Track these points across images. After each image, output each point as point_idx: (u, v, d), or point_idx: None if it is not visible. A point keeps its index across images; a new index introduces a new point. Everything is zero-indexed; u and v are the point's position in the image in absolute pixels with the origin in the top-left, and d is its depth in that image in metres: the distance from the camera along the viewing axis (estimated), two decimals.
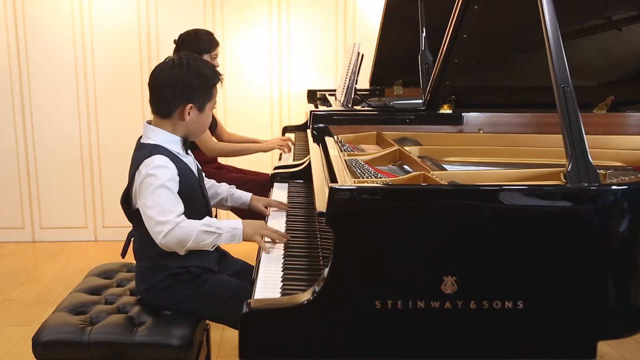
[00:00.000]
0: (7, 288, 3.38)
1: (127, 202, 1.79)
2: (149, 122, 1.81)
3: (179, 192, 1.71)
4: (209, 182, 2.03)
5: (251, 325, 1.20)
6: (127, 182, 1.78)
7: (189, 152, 1.86)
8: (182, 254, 1.70)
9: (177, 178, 1.71)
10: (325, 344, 1.22)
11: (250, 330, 1.21)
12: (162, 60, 1.81)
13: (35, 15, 3.97)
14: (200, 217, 1.72)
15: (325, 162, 1.71)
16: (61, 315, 1.78)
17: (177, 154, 1.78)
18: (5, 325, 2.92)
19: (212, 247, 1.72)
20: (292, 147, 3.07)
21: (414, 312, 1.19)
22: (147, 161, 1.70)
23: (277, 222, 1.86)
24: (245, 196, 2.06)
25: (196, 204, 1.80)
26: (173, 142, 1.78)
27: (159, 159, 1.70)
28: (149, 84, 1.79)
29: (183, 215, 1.67)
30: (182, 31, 2.97)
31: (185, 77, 1.75)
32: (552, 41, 1.37)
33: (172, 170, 1.70)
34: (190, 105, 1.76)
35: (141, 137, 1.82)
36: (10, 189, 4.15)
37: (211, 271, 1.81)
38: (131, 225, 1.86)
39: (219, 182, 2.08)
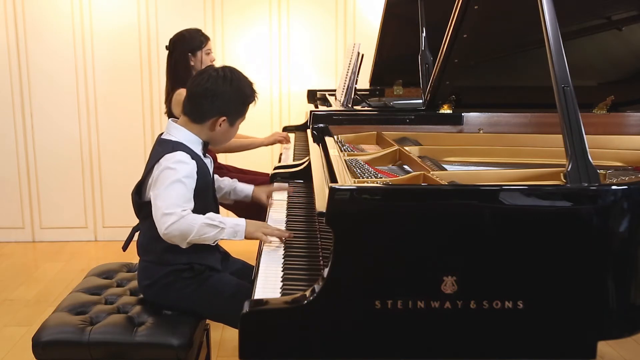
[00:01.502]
0: (7, 288, 3.38)
1: (139, 193, 1.82)
2: (174, 120, 1.85)
3: (194, 190, 1.74)
4: (218, 181, 2.07)
5: (251, 325, 1.20)
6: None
7: (207, 154, 1.89)
8: (184, 247, 1.71)
9: (195, 176, 1.74)
10: (325, 344, 1.22)
11: (250, 330, 1.21)
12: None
13: (35, 15, 3.97)
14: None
15: (325, 162, 1.71)
16: (61, 315, 1.78)
17: (197, 154, 1.81)
18: (5, 325, 2.92)
19: (214, 242, 1.72)
20: (292, 145, 3.10)
21: (414, 312, 1.19)
22: (168, 156, 1.73)
23: (278, 222, 1.86)
24: (248, 189, 2.11)
25: (207, 203, 1.82)
26: (195, 143, 1.82)
27: (180, 155, 1.74)
28: (189, 88, 1.83)
29: (189, 211, 1.69)
30: None
31: (226, 91, 1.80)
32: (552, 41, 1.37)
33: (191, 167, 1.74)
34: (224, 118, 1.81)
35: (162, 133, 1.85)
36: (10, 189, 4.15)
37: (214, 269, 1.81)
38: (133, 223, 1.87)
39: None
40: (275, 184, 2.08)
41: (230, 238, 1.71)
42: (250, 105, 1.87)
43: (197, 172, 1.76)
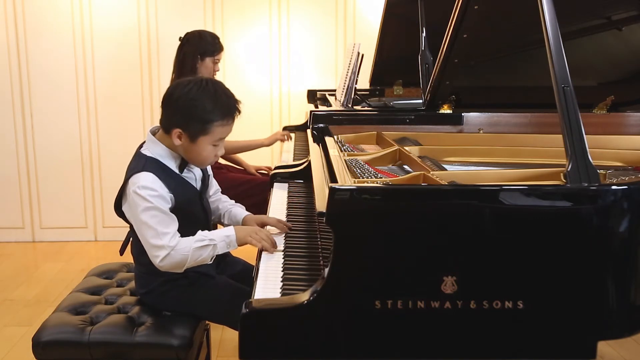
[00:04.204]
0: (7, 288, 3.38)
1: (120, 208, 1.75)
2: (153, 132, 1.75)
3: (173, 208, 1.67)
4: (215, 196, 1.98)
5: (251, 325, 1.20)
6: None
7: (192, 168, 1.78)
8: (181, 272, 1.69)
9: (167, 195, 1.66)
10: (325, 344, 1.22)
11: (250, 330, 1.21)
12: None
13: (35, 15, 3.97)
14: (199, 229, 1.70)
15: (325, 162, 1.71)
16: (61, 315, 1.78)
17: (171, 171, 1.72)
18: (5, 325, 2.92)
19: (211, 260, 1.69)
20: (292, 145, 3.10)
21: (414, 312, 1.19)
22: (134, 178, 1.65)
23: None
24: (240, 215, 1.91)
25: (193, 216, 1.76)
26: (169, 158, 1.72)
27: (145, 179, 1.63)
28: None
29: (177, 236, 1.64)
30: (183, 32, 2.97)
31: (182, 97, 1.63)
32: (552, 41, 1.37)
33: (158, 190, 1.64)
34: (179, 130, 1.65)
35: (144, 142, 1.77)
36: (10, 188, 4.15)
37: (209, 275, 1.81)
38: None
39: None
40: (272, 217, 1.84)
41: (225, 250, 1.68)
42: (237, 121, 1.67)
43: (171, 191, 1.66)
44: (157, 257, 1.63)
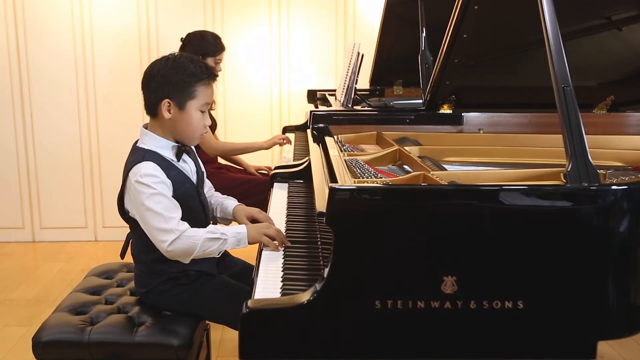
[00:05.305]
0: (7, 288, 3.38)
1: (123, 207, 1.75)
2: (145, 126, 1.78)
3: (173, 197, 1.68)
4: (208, 193, 1.98)
5: (251, 325, 1.20)
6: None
7: (189, 157, 1.81)
8: (187, 262, 1.68)
9: (168, 181, 1.67)
10: (325, 344, 1.22)
11: (250, 330, 1.21)
12: None
13: (35, 15, 3.97)
14: (197, 224, 1.70)
15: (325, 162, 1.71)
16: (61, 315, 1.78)
17: (171, 161, 1.74)
18: (5, 325, 2.92)
19: (219, 254, 1.69)
20: (292, 145, 3.10)
21: (414, 312, 1.19)
22: (135, 168, 1.66)
23: (277, 222, 1.86)
24: (231, 206, 1.92)
25: (192, 210, 1.75)
26: (165, 148, 1.73)
27: (146, 167, 1.65)
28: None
29: (187, 224, 1.65)
30: (183, 32, 2.98)
31: (161, 70, 1.69)
32: (552, 41, 1.37)
33: (160, 177, 1.66)
34: (167, 101, 1.69)
35: (138, 139, 1.79)
36: (10, 188, 4.15)
37: (209, 274, 1.80)
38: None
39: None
40: (262, 213, 1.86)
41: (234, 247, 1.68)
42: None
43: (171, 180, 1.68)
44: (165, 242, 1.61)
